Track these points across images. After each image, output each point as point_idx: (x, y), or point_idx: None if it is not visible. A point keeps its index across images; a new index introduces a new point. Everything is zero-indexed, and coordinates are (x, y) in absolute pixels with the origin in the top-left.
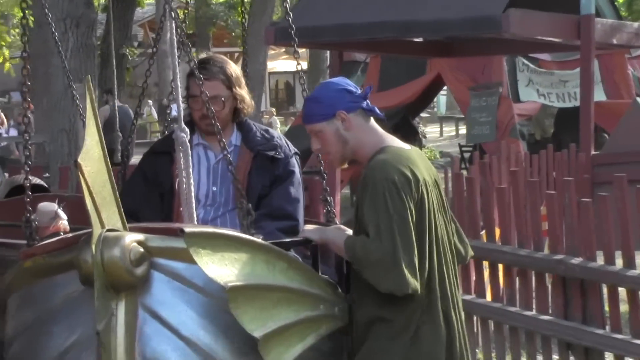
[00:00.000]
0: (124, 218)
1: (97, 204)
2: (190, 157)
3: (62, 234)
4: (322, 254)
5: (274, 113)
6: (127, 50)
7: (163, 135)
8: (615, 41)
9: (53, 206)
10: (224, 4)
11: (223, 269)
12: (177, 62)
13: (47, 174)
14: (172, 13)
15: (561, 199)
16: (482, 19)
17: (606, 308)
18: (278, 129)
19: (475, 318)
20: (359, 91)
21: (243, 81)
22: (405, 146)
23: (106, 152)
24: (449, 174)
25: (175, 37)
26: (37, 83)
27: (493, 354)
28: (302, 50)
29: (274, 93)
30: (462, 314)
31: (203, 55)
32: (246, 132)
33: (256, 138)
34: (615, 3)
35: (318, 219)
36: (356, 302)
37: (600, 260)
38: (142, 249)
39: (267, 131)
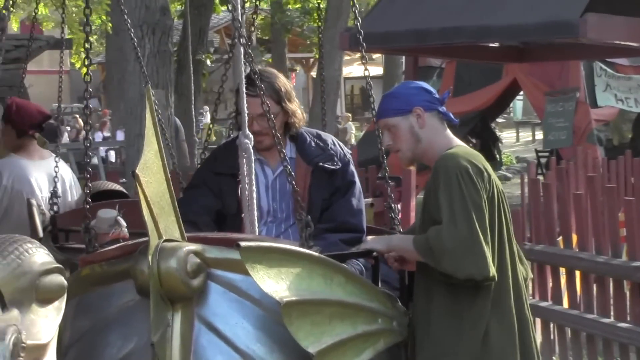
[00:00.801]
0: (183, 228)
1: (155, 214)
2: (253, 164)
3: (121, 241)
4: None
5: (350, 119)
6: (203, 56)
7: (222, 147)
8: None
9: (113, 213)
10: (299, 10)
11: (279, 283)
12: (242, 68)
13: (123, 179)
14: (237, 22)
15: (639, 205)
16: (558, 24)
17: None
18: (352, 135)
19: (552, 325)
20: (437, 95)
21: (293, 94)
22: (474, 150)
23: (165, 162)
24: (525, 180)
25: (240, 44)
26: (113, 89)
27: None
28: (377, 56)
29: (349, 98)
30: (531, 318)
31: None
32: (301, 144)
33: (311, 149)
34: None
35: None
36: (424, 302)
37: None
38: (199, 260)
39: (319, 137)
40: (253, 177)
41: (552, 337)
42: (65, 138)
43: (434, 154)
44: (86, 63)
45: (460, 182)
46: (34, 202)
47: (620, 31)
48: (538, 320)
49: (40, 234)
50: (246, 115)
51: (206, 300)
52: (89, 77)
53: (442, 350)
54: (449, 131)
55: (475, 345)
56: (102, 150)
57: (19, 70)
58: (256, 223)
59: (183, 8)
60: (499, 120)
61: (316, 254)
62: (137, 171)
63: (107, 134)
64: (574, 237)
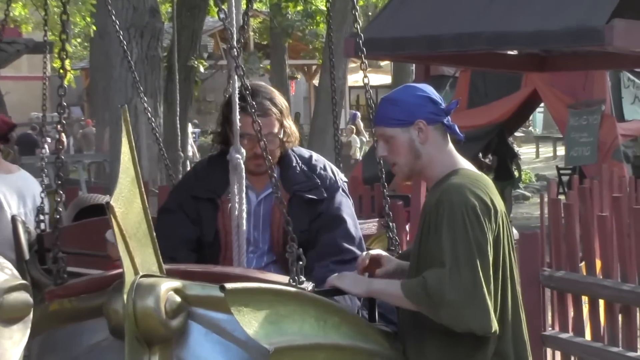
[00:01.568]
0: (161, 261)
1: (131, 248)
2: (244, 182)
3: None
4: None
5: (354, 131)
6: (196, 62)
7: (205, 164)
8: None
9: None
10: (300, 13)
11: (267, 327)
12: (235, 77)
13: (108, 197)
14: (229, 31)
15: None
16: (583, 31)
17: None
18: (357, 149)
19: (572, 359)
20: (443, 104)
21: (289, 111)
22: (478, 171)
23: (142, 188)
24: (545, 199)
25: (231, 56)
26: (97, 97)
27: None
28: (385, 63)
29: (354, 109)
30: None
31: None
32: (285, 168)
33: (294, 175)
34: None
35: (401, 246)
36: (413, 352)
37: None
38: (179, 299)
39: (308, 162)
40: (244, 197)
41: None
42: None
43: (434, 173)
44: (61, 73)
45: (466, 222)
46: (19, 218)
47: None
48: (558, 354)
49: (27, 254)
50: (238, 129)
51: (187, 342)
52: (63, 91)
53: None
54: (452, 147)
55: None
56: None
57: None
58: (244, 252)
59: (173, 9)
60: (517, 134)
61: (308, 293)
62: (111, 202)
63: None
64: (598, 263)
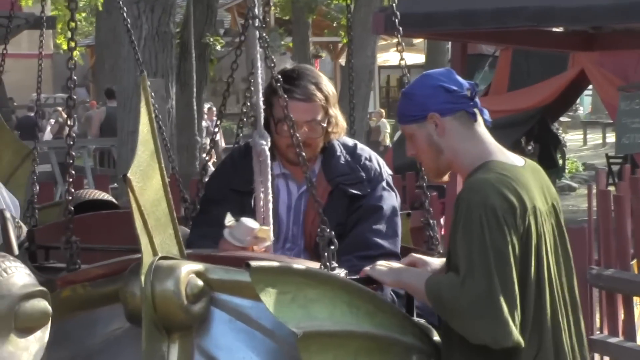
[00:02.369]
0: (182, 243)
1: (150, 227)
2: (269, 170)
3: None
4: None
5: (383, 115)
6: (211, 39)
7: (242, 152)
8: None
9: (256, 224)
10: None
11: (295, 311)
12: (258, 55)
13: (114, 185)
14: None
15: None
16: (635, 5)
17: None
18: (387, 134)
19: None
20: (464, 90)
21: (337, 98)
22: (518, 161)
23: (163, 165)
24: (593, 191)
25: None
26: (104, 77)
27: None
28: (418, 41)
29: (384, 91)
30: None
31: (287, 65)
32: (328, 158)
33: (338, 166)
34: None
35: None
36: (444, 355)
37: None
38: (201, 282)
39: (353, 152)
40: (269, 185)
41: None
42: (48, 134)
43: (463, 166)
44: (70, 46)
45: (483, 225)
46: (8, 214)
47: None
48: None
49: (16, 251)
50: (262, 110)
51: (208, 330)
52: (73, 63)
53: None
54: (481, 135)
55: None
56: None
57: None
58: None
59: None
60: (562, 119)
61: (340, 277)
62: (128, 175)
63: None
64: None
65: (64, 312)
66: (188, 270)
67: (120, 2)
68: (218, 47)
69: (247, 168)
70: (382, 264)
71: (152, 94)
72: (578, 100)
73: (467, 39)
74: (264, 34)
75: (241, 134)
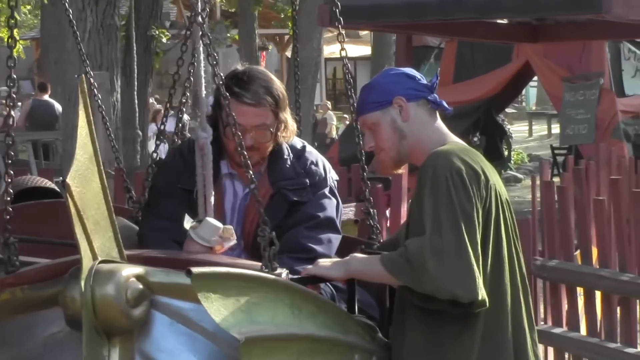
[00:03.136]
0: (122, 245)
1: (89, 230)
2: (211, 164)
3: None
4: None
5: (330, 107)
6: (157, 32)
7: (186, 148)
8: None
9: (219, 223)
10: None
11: (237, 316)
12: (200, 49)
13: (60, 178)
14: None
15: None
16: None
17: None
18: (334, 127)
19: (566, 355)
20: (424, 80)
21: (287, 101)
22: (471, 148)
23: (102, 168)
24: (537, 182)
25: (198, 23)
26: (49, 70)
27: None
28: (365, 33)
29: (331, 83)
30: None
31: (238, 66)
32: (274, 160)
33: (284, 169)
34: None
35: (382, 233)
36: (398, 335)
37: None
38: (141, 286)
39: (300, 156)
40: (211, 178)
41: None
42: None
43: (423, 152)
44: (10, 44)
45: (449, 186)
46: None
47: None
48: (551, 350)
49: None
50: (205, 109)
51: (150, 333)
52: (13, 62)
53: None
54: (441, 124)
55: None
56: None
57: None
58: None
59: None
60: (508, 110)
61: (282, 279)
62: (67, 180)
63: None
64: (594, 251)
65: (3, 315)
66: (128, 274)
67: None
68: (164, 40)
69: (190, 175)
70: (325, 261)
71: (96, 86)
72: (523, 92)
73: (413, 30)
74: (207, 33)
75: (180, 124)
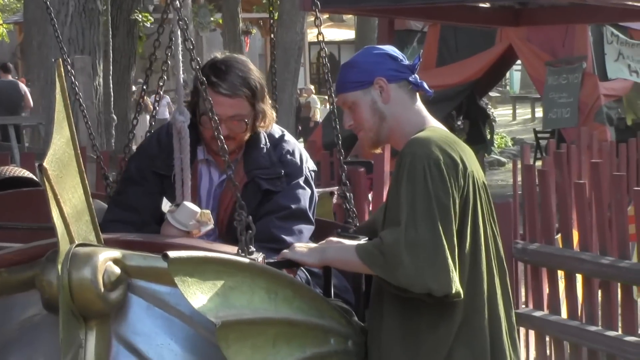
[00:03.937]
0: (99, 229)
1: (66, 214)
2: (188, 147)
3: None
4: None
5: (314, 91)
6: (140, 16)
7: (164, 133)
8: None
9: (197, 208)
10: None
11: (214, 300)
12: (178, 33)
13: (19, 169)
14: None
15: None
16: None
17: None
18: (317, 110)
19: (547, 339)
20: (406, 62)
21: (266, 91)
22: (451, 133)
23: (79, 152)
24: (519, 166)
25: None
26: (32, 54)
27: None
28: (348, 17)
29: (315, 67)
30: (518, 345)
31: (217, 54)
32: (251, 148)
33: (259, 158)
34: None
35: (362, 217)
36: (376, 320)
37: None
38: (118, 269)
39: (277, 146)
40: (188, 161)
41: (547, 352)
42: None
43: (403, 134)
44: None
45: (426, 176)
46: None
47: None
48: (532, 333)
49: None
50: (182, 92)
51: (126, 317)
52: None
53: None
54: (421, 106)
55: None
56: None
57: None
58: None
59: None
60: (492, 94)
61: (259, 263)
62: (44, 164)
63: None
64: (575, 235)
65: None
66: (105, 257)
67: None
68: (147, 24)
69: (171, 150)
70: (301, 246)
71: (73, 73)
72: (507, 76)
73: (394, 14)
74: (184, 18)
75: (158, 107)
